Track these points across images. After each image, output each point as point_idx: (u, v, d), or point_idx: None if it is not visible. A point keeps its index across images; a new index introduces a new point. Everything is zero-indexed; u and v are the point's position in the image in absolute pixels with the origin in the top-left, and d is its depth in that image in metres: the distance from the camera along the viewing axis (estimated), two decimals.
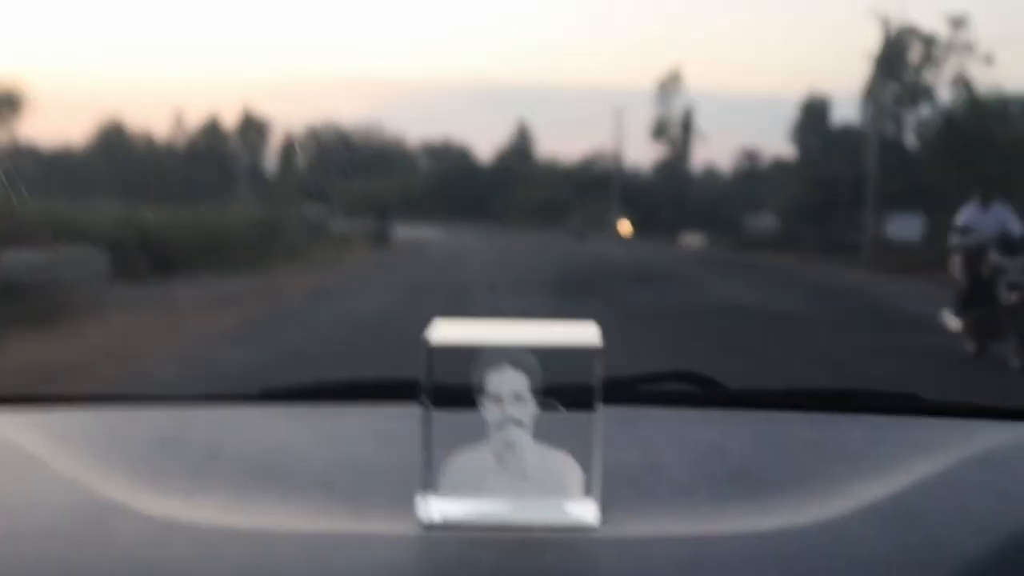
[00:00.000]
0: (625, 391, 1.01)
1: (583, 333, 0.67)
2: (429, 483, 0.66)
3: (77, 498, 0.74)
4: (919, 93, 24.44)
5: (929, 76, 24.02)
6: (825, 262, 18.73)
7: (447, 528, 0.66)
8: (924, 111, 24.62)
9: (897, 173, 23.73)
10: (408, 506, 0.67)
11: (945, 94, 24.16)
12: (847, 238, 22.19)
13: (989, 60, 24.44)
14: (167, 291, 8.20)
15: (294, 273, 10.84)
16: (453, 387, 0.65)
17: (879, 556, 0.64)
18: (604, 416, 0.66)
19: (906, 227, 23.31)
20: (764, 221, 25.91)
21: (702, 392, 1.07)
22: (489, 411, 0.65)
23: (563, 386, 0.66)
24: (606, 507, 0.67)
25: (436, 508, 0.66)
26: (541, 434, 0.65)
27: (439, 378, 0.65)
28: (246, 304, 8.02)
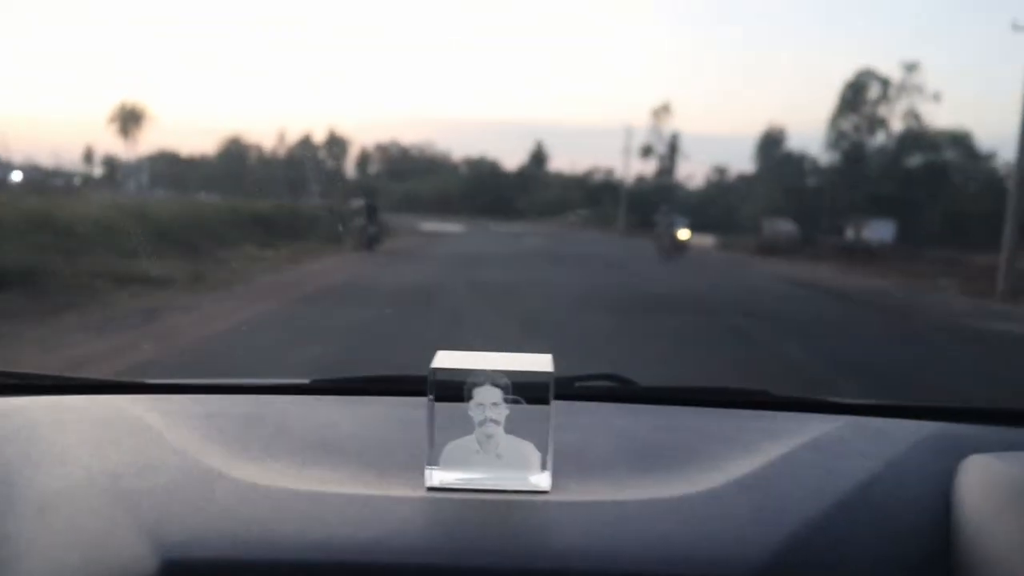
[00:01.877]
0: (567, 388, 1.16)
1: (541, 361, 0.85)
2: (432, 458, 0.84)
3: (187, 464, 0.88)
4: (875, 124, 24.86)
5: (884, 111, 24.58)
6: (917, 278, 13.83)
7: (445, 491, 0.83)
8: (879, 139, 25.27)
9: (857, 188, 23.91)
10: (418, 474, 0.85)
11: (898, 126, 24.77)
12: (857, 243, 21.51)
13: (936, 98, 25.09)
14: None
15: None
16: (452, 385, 0.82)
17: (744, 516, 0.80)
18: (554, 410, 0.84)
19: (881, 231, 23.34)
20: (783, 227, 24.48)
21: (621, 388, 1.24)
22: (475, 412, 0.83)
23: (526, 384, 0.82)
24: (555, 477, 0.85)
25: (437, 477, 0.84)
26: (511, 427, 0.84)
27: (443, 377, 0.82)
28: None
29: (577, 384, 1.20)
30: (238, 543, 0.73)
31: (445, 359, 0.85)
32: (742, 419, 1.12)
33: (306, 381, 1.20)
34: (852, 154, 25.12)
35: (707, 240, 23.79)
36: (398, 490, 0.83)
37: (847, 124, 24.53)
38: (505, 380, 0.82)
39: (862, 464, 0.91)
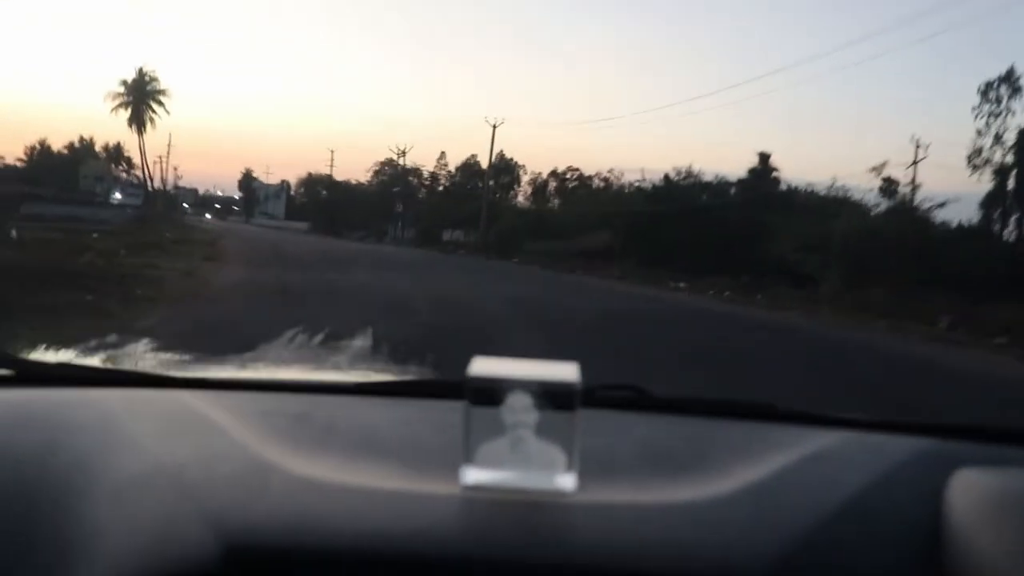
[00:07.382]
0: (590, 396, 1.27)
1: (568, 371, 1.00)
2: (468, 458, 0.99)
3: (245, 457, 1.05)
4: None
5: None
6: None
7: (479, 489, 0.98)
8: None
9: None
10: (454, 473, 1.00)
11: None
12: None
13: None
14: None
15: None
16: (487, 390, 0.97)
17: (751, 521, 0.93)
18: (579, 417, 0.97)
19: None
20: None
21: (639, 397, 1.41)
22: (507, 416, 0.98)
23: (555, 393, 0.98)
24: (579, 479, 0.98)
25: (472, 476, 0.99)
26: (539, 431, 0.98)
27: (478, 384, 0.98)
28: None
29: (599, 393, 1.37)
30: (291, 532, 0.89)
31: (481, 366, 1.00)
32: (748, 429, 1.29)
33: (353, 381, 1.41)
34: None
35: None
36: (436, 487, 0.97)
37: None
38: (535, 387, 0.97)
39: (860, 476, 1.06)
